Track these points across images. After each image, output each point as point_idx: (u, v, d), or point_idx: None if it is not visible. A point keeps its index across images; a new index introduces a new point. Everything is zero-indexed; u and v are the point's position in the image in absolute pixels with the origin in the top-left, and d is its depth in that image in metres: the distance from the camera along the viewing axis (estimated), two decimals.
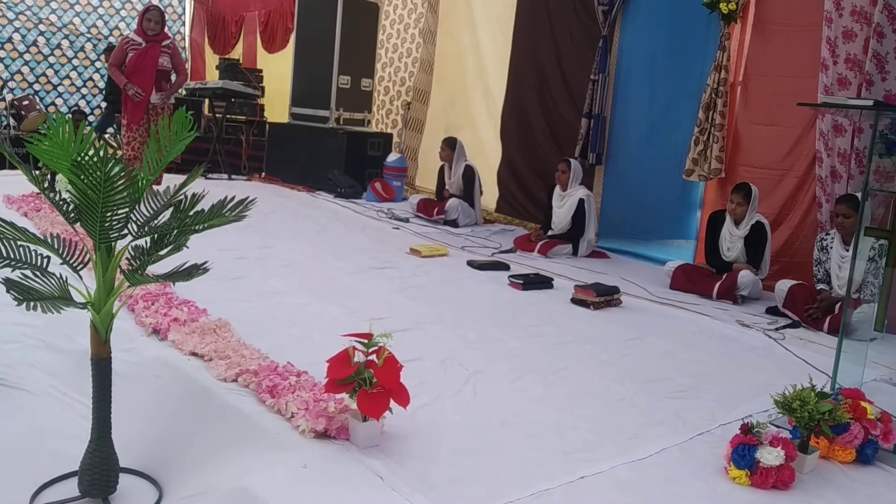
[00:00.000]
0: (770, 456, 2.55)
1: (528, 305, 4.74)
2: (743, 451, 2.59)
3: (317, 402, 2.72)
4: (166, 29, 7.08)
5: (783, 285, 4.96)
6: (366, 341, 2.65)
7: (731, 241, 5.48)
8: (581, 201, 6.46)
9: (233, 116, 9.96)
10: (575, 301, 4.85)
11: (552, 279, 5.31)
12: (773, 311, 5.00)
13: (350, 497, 2.30)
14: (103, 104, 11.65)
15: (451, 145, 7.65)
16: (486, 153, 8.39)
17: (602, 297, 4.80)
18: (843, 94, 5.16)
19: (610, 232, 7.07)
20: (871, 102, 2.86)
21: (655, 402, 3.28)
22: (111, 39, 12.42)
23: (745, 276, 5.24)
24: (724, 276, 5.36)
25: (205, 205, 2.36)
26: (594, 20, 7.10)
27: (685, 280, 5.49)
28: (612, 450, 2.77)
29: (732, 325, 4.67)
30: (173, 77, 6.98)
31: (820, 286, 4.90)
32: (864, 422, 2.80)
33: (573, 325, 4.39)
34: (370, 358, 2.64)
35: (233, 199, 2.44)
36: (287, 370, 3.03)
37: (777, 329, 4.63)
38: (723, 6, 5.91)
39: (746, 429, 2.67)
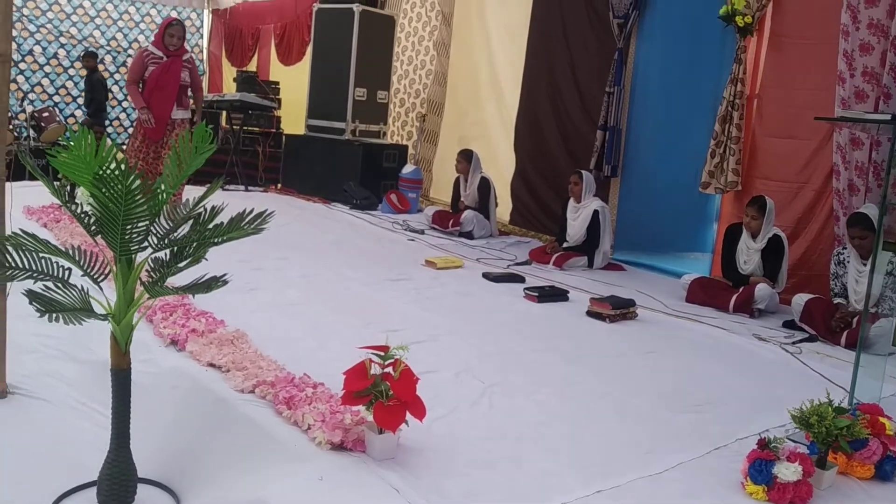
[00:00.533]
0: (787, 471, 2.54)
1: (543, 318, 4.73)
2: (760, 467, 2.58)
3: (333, 413, 2.73)
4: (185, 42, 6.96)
5: (800, 299, 4.93)
6: (382, 354, 2.66)
7: (748, 255, 5.46)
8: (595, 213, 6.46)
9: (250, 128, 10.03)
10: (591, 314, 4.83)
11: (567, 291, 5.30)
12: (790, 324, 4.97)
13: None
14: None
15: (467, 157, 7.66)
16: (499, 165, 8.40)
17: (618, 309, 4.79)
18: (861, 107, 5.14)
19: (625, 244, 7.06)
20: (888, 116, 2.85)
21: (672, 415, 3.27)
22: (130, 52, 12.54)
23: (762, 289, 5.21)
24: (740, 290, 5.33)
25: (223, 217, 2.38)
26: (609, 33, 7.11)
27: (701, 293, 5.47)
28: (628, 464, 2.75)
29: (749, 338, 4.65)
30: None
31: (837, 300, 4.87)
32: (882, 437, 2.78)
33: (589, 338, 4.38)
34: (386, 370, 2.64)
35: (251, 211, 2.47)
36: (303, 382, 3.04)
37: (794, 343, 4.60)
38: (738, 19, 5.90)
39: (763, 444, 2.66)
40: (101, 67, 11.94)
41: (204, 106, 9.37)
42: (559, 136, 7.86)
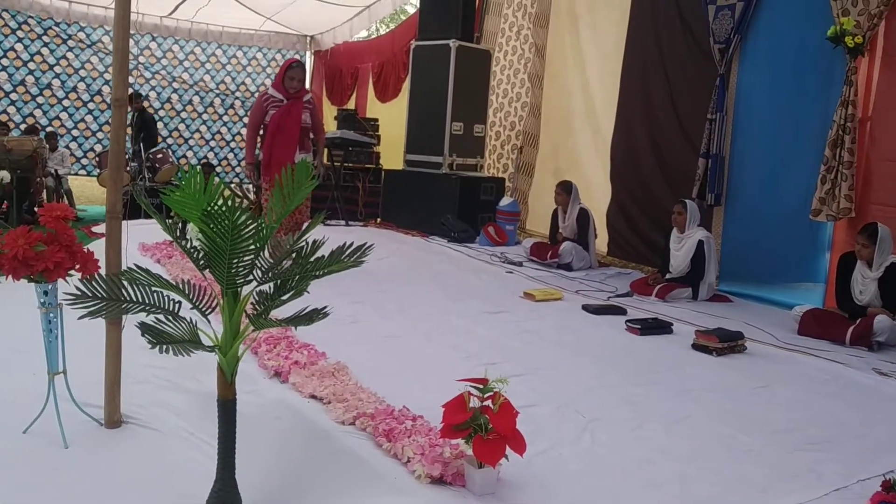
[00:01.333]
0: None
1: (646, 351, 4.61)
2: None
3: (432, 447, 2.72)
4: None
5: None
6: (481, 386, 2.64)
7: (864, 284, 5.18)
8: (700, 243, 6.28)
9: (350, 164, 10.27)
10: (696, 347, 4.68)
11: (671, 324, 5.15)
12: None
13: None
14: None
15: (566, 189, 7.61)
16: (594, 195, 8.28)
17: (725, 342, 4.62)
18: None
19: (731, 275, 6.82)
20: None
21: (786, 454, 3.10)
22: (237, 94, 13.10)
23: (881, 320, 4.93)
24: (857, 321, 5.06)
25: (324, 251, 2.42)
26: (710, 58, 6.96)
27: (815, 325, 5.22)
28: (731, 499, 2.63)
29: (868, 373, 4.39)
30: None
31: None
32: None
33: (695, 372, 4.24)
34: (485, 403, 2.62)
35: (351, 245, 2.51)
36: (403, 414, 3.05)
37: None
38: (848, 40, 5.67)
39: (888, 486, 2.50)
40: (210, 110, 12.50)
41: None
42: (656, 165, 7.72)
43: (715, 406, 3.66)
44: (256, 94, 11.80)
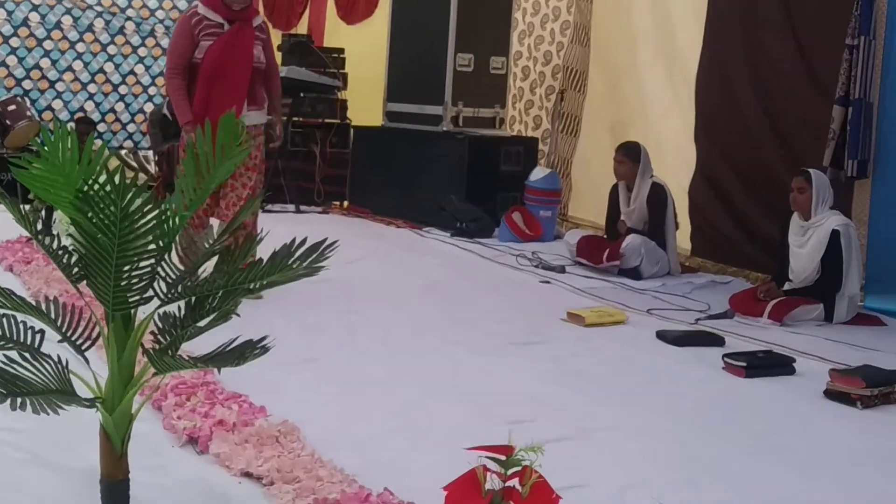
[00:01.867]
0: None
1: (755, 402, 4.60)
2: None
3: None
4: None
5: None
6: (503, 458, 2.62)
7: None
8: (835, 234, 6.25)
9: (302, 119, 10.18)
10: (831, 394, 4.67)
11: (794, 360, 5.14)
12: None
13: None
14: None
15: (632, 155, 7.57)
16: (669, 163, 8.26)
17: (876, 388, 4.61)
18: None
19: (884, 283, 6.80)
20: None
21: None
22: (131, 13, 13.03)
23: None
24: None
25: (263, 252, 2.40)
26: None
27: None
28: None
29: None
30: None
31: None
32: None
33: (832, 433, 4.23)
34: (510, 483, 2.60)
35: (303, 242, 2.48)
36: (384, 500, 3.03)
37: None
38: None
39: None
40: (89, 38, 12.42)
41: None
42: (765, 117, 7.70)
43: (864, 485, 3.64)
44: (176, 15, 11.37)
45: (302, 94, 9.92)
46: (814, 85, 7.29)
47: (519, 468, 2.61)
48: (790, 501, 3.45)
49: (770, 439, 4.10)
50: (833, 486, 3.61)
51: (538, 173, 8.90)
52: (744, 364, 5.01)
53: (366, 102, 10.40)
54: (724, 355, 5.16)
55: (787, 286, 6.47)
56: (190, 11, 5.98)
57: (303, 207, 9.12)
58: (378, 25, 10.47)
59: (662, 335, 5.61)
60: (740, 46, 7.89)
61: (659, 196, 7.47)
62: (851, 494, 3.56)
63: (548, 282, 7.00)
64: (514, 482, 2.60)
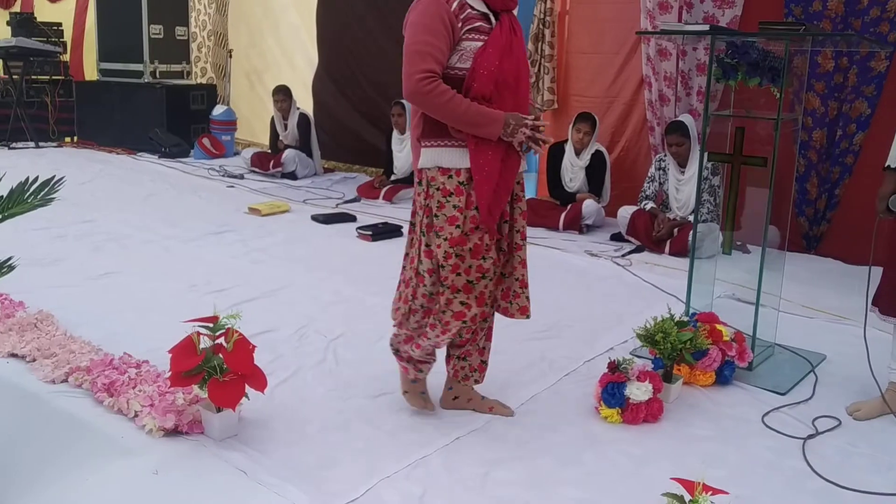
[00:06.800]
0: (639, 392, 2.55)
1: (380, 257, 4.56)
2: (612, 390, 2.57)
3: (162, 395, 2.46)
4: None
5: (625, 212, 5.03)
6: (211, 325, 2.39)
7: (573, 172, 5.51)
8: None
9: (34, 77, 8.99)
10: None
11: (401, 227, 5.14)
12: (617, 237, 5.10)
13: (212, 499, 2.07)
14: None
15: (288, 93, 7.21)
16: (302, 101, 7.81)
17: None
18: (665, 17, 5.24)
19: None
20: (707, 27, 2.85)
21: (520, 346, 3.21)
22: None
23: (589, 205, 5.30)
24: (568, 207, 5.39)
25: (2, 188, 2.01)
26: None
27: (531, 214, 5.36)
28: None
29: (582, 255, 4.71)
30: None
31: (647, 202, 5.00)
32: (720, 344, 2.86)
33: None
34: (218, 342, 2.39)
35: (35, 180, 2.11)
36: (125, 362, 2.74)
37: (623, 255, 4.71)
38: None
39: (613, 366, 2.65)
40: None
41: None
42: (370, 64, 7.49)
43: None
44: None
45: (32, 59, 8.75)
46: (397, 40, 7.13)
47: (224, 330, 2.40)
48: None
49: (393, 282, 4.04)
50: None
51: (219, 109, 8.38)
52: (370, 232, 4.97)
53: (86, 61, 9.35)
54: (357, 227, 5.10)
55: (393, 178, 6.45)
56: None
57: (41, 144, 8.12)
58: (71, 2, 9.41)
59: (315, 217, 5.45)
60: (346, 17, 7.59)
61: (304, 122, 7.18)
62: None
63: (232, 186, 6.61)
64: (221, 340, 2.39)
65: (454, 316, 2.31)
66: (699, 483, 1.62)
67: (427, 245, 2.33)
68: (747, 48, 2.93)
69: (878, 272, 2.68)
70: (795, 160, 4.41)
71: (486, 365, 2.61)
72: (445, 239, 2.28)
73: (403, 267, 2.52)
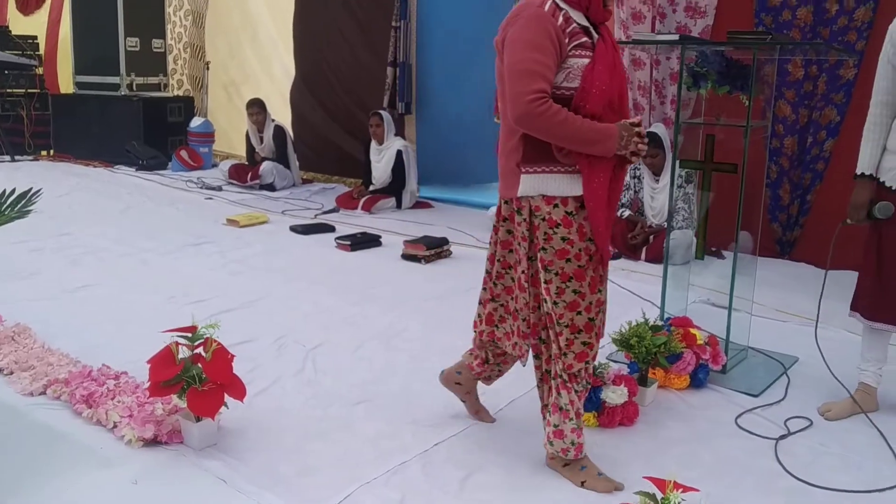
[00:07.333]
0: (615, 395, 2.59)
1: (359, 267, 4.60)
2: (589, 394, 2.60)
3: (141, 406, 2.47)
4: None
5: None
6: (189, 335, 2.41)
7: None
8: (399, 153, 6.34)
9: (10, 90, 8.95)
10: (406, 257, 4.76)
11: (380, 237, 5.18)
12: None
13: None
14: None
15: (263, 106, 7.24)
16: (274, 110, 7.92)
17: (432, 249, 4.74)
18: (639, 27, 5.33)
19: (430, 180, 7.01)
20: (677, 37, 2.91)
21: None
22: None
23: None
24: None
25: None
26: None
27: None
28: (462, 409, 2.70)
29: None
30: None
31: (623, 210, 5.05)
32: (694, 348, 2.91)
33: (407, 282, 4.31)
34: (197, 351, 2.40)
35: (12, 192, 2.13)
36: (103, 373, 2.74)
37: None
38: None
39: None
40: None
41: None
42: (344, 75, 7.55)
43: (431, 315, 3.74)
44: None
45: (6, 72, 8.72)
46: (375, 55, 7.21)
47: (202, 340, 2.42)
48: (387, 331, 3.48)
49: (371, 291, 4.11)
50: (411, 317, 3.69)
51: (196, 121, 8.38)
52: (349, 242, 4.99)
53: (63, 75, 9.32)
54: (336, 238, 5.12)
55: (372, 188, 6.50)
56: (546, 4, 2.11)
57: (17, 157, 8.08)
58: (44, 15, 9.39)
59: (294, 228, 5.46)
60: (321, 29, 7.62)
61: (280, 134, 7.23)
62: (423, 321, 3.65)
63: (210, 198, 6.61)
64: (200, 350, 2.41)
65: (577, 357, 2.17)
66: (670, 481, 1.66)
67: (530, 277, 2.20)
68: (716, 57, 3.00)
69: (835, 276, 2.75)
70: (766, 166, 4.48)
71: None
72: (557, 274, 2.12)
73: (498, 300, 2.36)
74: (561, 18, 2.07)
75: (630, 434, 2.58)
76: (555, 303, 2.15)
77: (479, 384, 2.64)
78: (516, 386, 2.91)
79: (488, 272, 2.37)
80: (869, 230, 2.68)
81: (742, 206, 2.98)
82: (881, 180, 2.60)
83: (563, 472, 2.29)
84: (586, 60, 2.09)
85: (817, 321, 2.77)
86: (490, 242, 2.36)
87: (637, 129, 2.13)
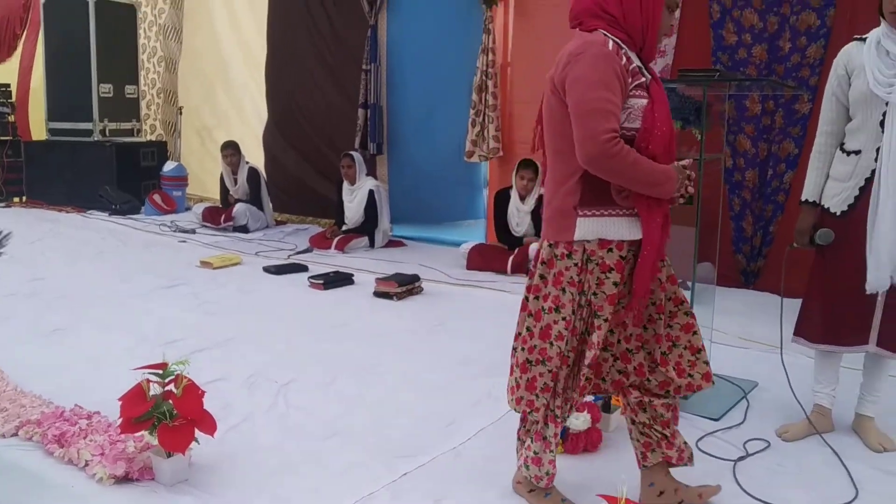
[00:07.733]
0: (578, 421, 2.66)
1: (331, 305, 4.66)
2: None
3: (113, 444, 2.51)
4: None
5: None
6: (160, 371, 2.46)
7: (520, 217, 5.70)
8: (371, 192, 6.44)
9: None
10: (378, 294, 4.83)
11: (352, 275, 5.25)
12: None
13: None
14: None
15: (237, 148, 7.34)
16: (247, 152, 7.96)
17: (404, 286, 4.82)
18: None
19: (403, 219, 7.10)
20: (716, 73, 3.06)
21: (468, 384, 3.33)
22: None
23: (535, 248, 5.46)
24: (515, 251, 5.56)
25: None
26: (359, 10, 7.04)
27: (480, 259, 5.64)
28: (432, 439, 2.77)
29: None
30: None
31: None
32: None
33: (379, 319, 4.37)
34: (168, 388, 2.45)
35: None
36: (76, 414, 2.78)
37: None
38: None
39: None
40: None
41: None
42: (318, 118, 7.69)
43: (401, 349, 3.81)
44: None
45: None
46: (346, 97, 7.36)
47: (173, 377, 2.47)
48: (359, 366, 3.54)
49: (343, 328, 4.17)
50: (383, 353, 3.75)
51: (169, 165, 8.44)
52: (322, 281, 5.05)
53: (34, 122, 9.38)
54: (309, 277, 5.19)
55: (345, 228, 6.57)
56: (608, 43, 2.05)
57: None
58: (15, 62, 9.55)
59: (267, 269, 5.52)
60: (293, 73, 7.77)
61: (254, 176, 7.31)
62: (395, 355, 3.71)
63: (184, 241, 6.65)
64: (171, 387, 2.46)
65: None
66: (622, 497, 1.73)
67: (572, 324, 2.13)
68: (669, 93, 3.14)
69: (796, 304, 2.86)
70: (721, 197, 4.62)
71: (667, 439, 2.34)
72: (605, 320, 2.09)
73: (532, 346, 2.31)
74: (623, 58, 2.04)
75: (594, 459, 2.66)
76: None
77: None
78: (484, 417, 2.98)
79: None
80: (814, 256, 2.81)
81: (699, 237, 3.09)
82: (825, 206, 2.74)
83: (529, 497, 2.35)
84: (644, 101, 2.06)
85: (781, 345, 2.87)
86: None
87: (688, 171, 2.13)
